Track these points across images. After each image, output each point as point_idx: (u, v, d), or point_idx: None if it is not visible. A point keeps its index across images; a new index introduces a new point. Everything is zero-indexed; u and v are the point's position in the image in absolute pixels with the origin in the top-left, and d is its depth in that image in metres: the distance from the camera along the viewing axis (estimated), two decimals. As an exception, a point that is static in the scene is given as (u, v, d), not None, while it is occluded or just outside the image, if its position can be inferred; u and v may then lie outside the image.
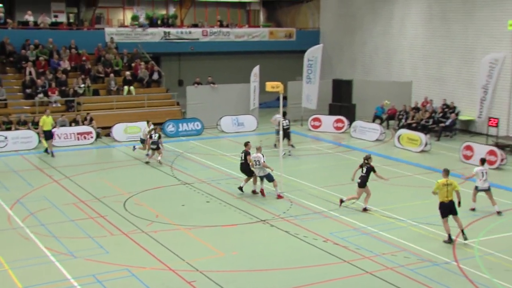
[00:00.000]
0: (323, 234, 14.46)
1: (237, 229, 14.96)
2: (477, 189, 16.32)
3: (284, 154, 21.02)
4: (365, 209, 16.31)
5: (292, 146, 23.19)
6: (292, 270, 12.54)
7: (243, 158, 17.79)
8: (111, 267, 12.58)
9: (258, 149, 17.56)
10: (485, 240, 14.17)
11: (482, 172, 16.14)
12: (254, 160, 17.38)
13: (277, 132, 22.46)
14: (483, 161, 16.53)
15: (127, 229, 14.80)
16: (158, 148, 21.74)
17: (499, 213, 16.10)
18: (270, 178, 17.55)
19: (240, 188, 17.87)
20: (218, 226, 15.16)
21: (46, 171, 20.71)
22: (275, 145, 22.63)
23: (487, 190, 16.19)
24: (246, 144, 18.11)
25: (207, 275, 12.17)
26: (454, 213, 14.05)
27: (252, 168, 17.51)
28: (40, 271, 12.40)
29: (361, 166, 16.39)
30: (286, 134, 22.35)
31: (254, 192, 17.85)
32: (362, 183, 16.20)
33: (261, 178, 17.67)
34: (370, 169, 16.22)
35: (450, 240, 13.94)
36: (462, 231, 13.93)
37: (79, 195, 17.76)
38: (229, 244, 13.96)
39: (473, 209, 16.32)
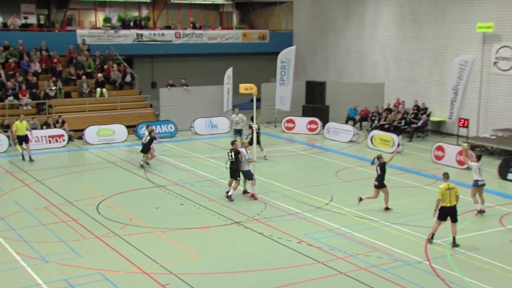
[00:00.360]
0: (297, 236, 14.53)
1: (211, 231, 14.95)
2: (477, 185, 16.18)
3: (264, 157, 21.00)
4: (387, 208, 16.47)
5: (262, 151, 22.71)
6: (266, 271, 12.57)
7: (233, 156, 17.45)
8: (84, 271, 12.47)
9: (243, 144, 17.80)
10: (456, 239, 14.37)
11: (479, 168, 16.24)
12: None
13: (236, 132, 23.75)
14: (479, 158, 16.86)
15: (100, 233, 14.68)
16: (147, 151, 21.46)
17: (481, 211, 16.25)
18: (249, 176, 17.49)
19: (229, 197, 17.43)
20: (192, 229, 15.13)
21: (17, 174, 20.42)
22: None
23: (483, 186, 16.27)
24: (233, 143, 17.95)
25: (181, 278, 12.14)
26: (454, 219, 13.82)
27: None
28: (10, 277, 12.23)
29: (373, 163, 16.58)
30: (257, 139, 21.71)
31: (245, 192, 17.87)
32: (380, 184, 16.34)
33: (244, 176, 17.54)
34: (384, 166, 16.34)
35: (431, 239, 14.05)
36: (454, 238, 13.84)
37: (51, 199, 17.55)
38: (203, 246, 13.94)
39: (481, 211, 16.25)
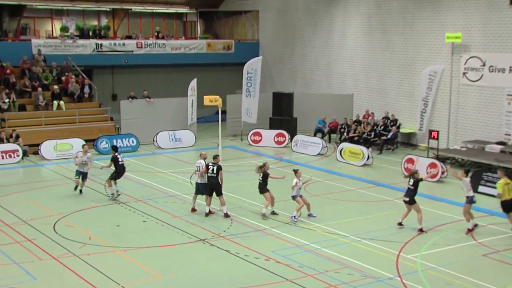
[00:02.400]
0: (264, 253, 14.54)
1: (176, 250, 14.86)
2: (473, 201, 16.03)
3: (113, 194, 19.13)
4: (421, 230, 15.96)
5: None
6: (233, 290, 12.54)
7: (214, 171, 17.03)
8: (40, 294, 12.24)
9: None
10: (427, 254, 14.60)
11: (469, 183, 16.16)
12: (197, 166, 17.44)
13: (79, 174, 19.62)
14: (467, 172, 16.62)
15: (57, 253, 14.45)
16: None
17: (473, 228, 16.07)
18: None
19: (226, 215, 17.25)
20: (156, 247, 15.01)
21: (-33, 192, 19.99)
22: None
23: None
24: (215, 157, 17.42)
25: (143, 299, 12.02)
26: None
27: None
28: (-40, 302, 11.93)
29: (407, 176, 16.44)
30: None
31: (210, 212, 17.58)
32: (411, 200, 16.13)
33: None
34: (418, 183, 16.13)
35: None
36: None
37: (3, 218, 17.20)
38: (167, 265, 13.84)
39: (473, 228, 16.08)
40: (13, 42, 31.11)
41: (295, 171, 17.00)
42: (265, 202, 17.37)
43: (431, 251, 14.78)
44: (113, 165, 19.18)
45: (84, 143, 19.78)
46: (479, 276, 13.34)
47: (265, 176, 17.21)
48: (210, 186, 17.28)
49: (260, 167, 17.25)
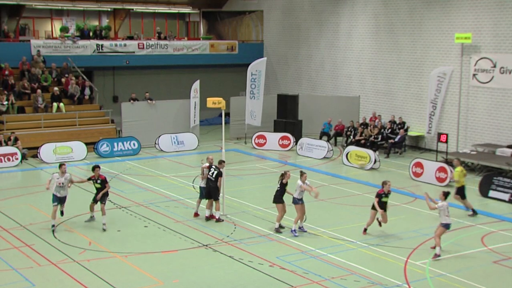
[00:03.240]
0: (269, 258, 14.51)
1: (178, 255, 14.84)
2: (449, 228, 14.98)
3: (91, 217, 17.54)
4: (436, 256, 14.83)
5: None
6: (236, 298, 12.52)
7: (213, 175, 17.02)
8: (39, 301, 12.24)
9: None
10: (437, 261, 14.53)
11: (447, 208, 14.88)
12: (202, 170, 17.46)
13: (56, 200, 17.00)
14: (446, 195, 15.03)
15: (57, 259, 14.44)
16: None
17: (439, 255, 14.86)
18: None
19: (218, 219, 17.27)
20: (157, 253, 15.00)
21: (-36, 196, 20.03)
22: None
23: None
24: (221, 162, 17.34)
25: (145, 306, 12.01)
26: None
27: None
28: (-43, 308, 11.93)
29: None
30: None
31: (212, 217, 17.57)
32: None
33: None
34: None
35: None
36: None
37: (1, 223, 17.21)
38: (169, 271, 13.82)
39: (438, 256, 14.76)
40: (12, 43, 31.18)
41: (302, 173, 16.41)
42: (277, 214, 16.60)
43: (440, 258, 14.71)
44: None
45: (63, 163, 17.07)
46: (489, 283, 13.28)
47: (283, 185, 16.44)
48: (208, 190, 17.30)
49: (281, 175, 16.57)
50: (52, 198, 16.73)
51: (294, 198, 16.22)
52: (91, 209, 17.28)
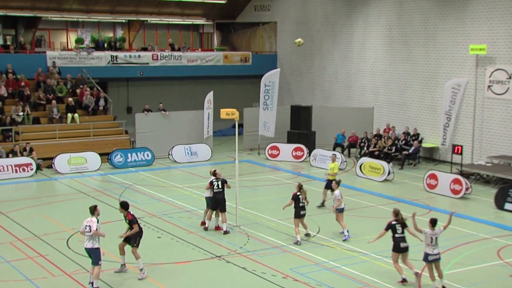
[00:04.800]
0: (282, 270, 14.47)
1: (191, 266, 14.83)
2: (428, 260, 13.25)
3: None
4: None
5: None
6: (250, 309, 12.49)
7: (219, 186, 17.32)
8: (52, 311, 12.27)
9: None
10: (451, 274, 14.42)
11: (435, 237, 13.30)
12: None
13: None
14: (434, 222, 13.39)
15: (70, 269, 14.49)
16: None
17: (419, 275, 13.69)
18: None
19: (227, 232, 17.30)
20: (170, 264, 15.00)
21: (-20, 207, 20.17)
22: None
23: (438, 260, 13.32)
24: (215, 173, 17.82)
25: (158, 318, 12.00)
26: None
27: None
28: (-28, 318, 11.99)
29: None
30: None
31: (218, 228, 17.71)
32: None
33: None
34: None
35: None
36: None
37: (16, 233, 17.31)
38: (182, 283, 13.81)
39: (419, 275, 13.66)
40: (28, 54, 31.49)
41: (338, 183, 17.53)
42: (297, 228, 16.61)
43: (455, 271, 14.60)
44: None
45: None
46: (505, 297, 13.15)
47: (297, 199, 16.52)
48: (215, 201, 17.34)
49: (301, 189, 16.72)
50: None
51: (339, 209, 17.03)
52: (121, 251, 14.59)
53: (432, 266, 13.27)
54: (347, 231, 16.90)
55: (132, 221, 14.22)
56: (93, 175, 25.24)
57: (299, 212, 16.48)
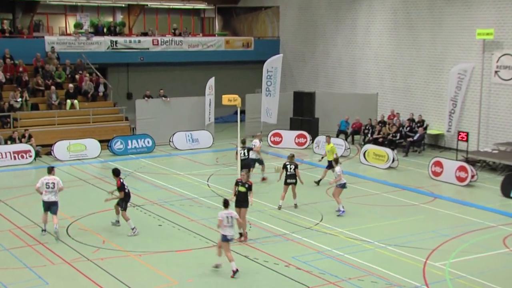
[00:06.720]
0: (285, 258, 14.50)
1: (192, 254, 14.87)
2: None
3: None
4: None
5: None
6: (252, 298, 12.53)
7: (245, 154, 20.85)
8: (52, 299, 12.33)
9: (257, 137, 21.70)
10: (456, 262, 14.45)
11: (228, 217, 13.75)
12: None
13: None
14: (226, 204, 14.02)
15: (70, 257, 14.54)
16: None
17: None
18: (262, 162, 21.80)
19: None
20: (172, 252, 15.04)
21: (-22, 194, 20.22)
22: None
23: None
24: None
25: (159, 306, 12.05)
26: None
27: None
28: (-29, 306, 12.06)
29: None
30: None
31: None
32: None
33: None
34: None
35: None
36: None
37: (15, 221, 17.37)
38: (184, 271, 13.86)
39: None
40: (26, 39, 31.37)
41: (336, 160, 18.89)
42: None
43: (460, 259, 14.62)
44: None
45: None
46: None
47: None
48: (246, 165, 19.84)
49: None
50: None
51: (340, 184, 18.19)
52: (116, 211, 16.67)
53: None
54: (342, 206, 18.07)
55: (119, 188, 16.14)
56: (93, 162, 25.27)
57: (286, 180, 18.52)
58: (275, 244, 15.58)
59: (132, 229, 16.18)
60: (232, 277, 13.36)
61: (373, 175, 23.19)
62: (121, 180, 16.22)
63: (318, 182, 21.50)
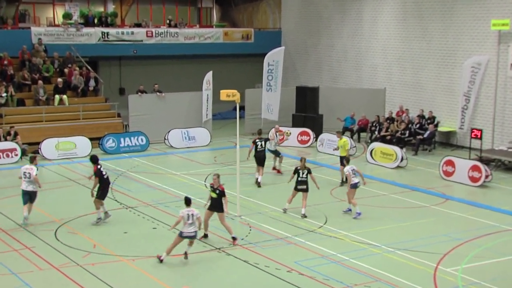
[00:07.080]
0: (287, 263, 14.50)
1: (189, 259, 14.85)
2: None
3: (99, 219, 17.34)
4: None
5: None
6: (252, 305, 12.53)
7: (263, 145, 21.90)
8: (39, 307, 12.33)
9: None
10: (469, 268, 14.43)
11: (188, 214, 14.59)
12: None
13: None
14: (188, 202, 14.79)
15: (59, 262, 14.53)
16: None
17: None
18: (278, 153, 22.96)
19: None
20: (166, 256, 15.02)
21: (-39, 195, 20.23)
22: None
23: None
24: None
25: (153, 314, 12.05)
26: None
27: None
28: (-47, 314, 12.05)
29: None
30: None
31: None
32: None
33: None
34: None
35: None
36: None
37: (0, 224, 17.35)
38: (180, 277, 13.86)
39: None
40: (11, 30, 31.41)
41: (347, 160, 18.81)
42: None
43: (473, 264, 14.61)
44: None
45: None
46: (527, 292, 13.17)
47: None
48: (261, 159, 21.56)
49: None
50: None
51: (354, 184, 17.99)
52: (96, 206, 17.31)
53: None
54: (358, 209, 17.90)
55: (95, 173, 16.87)
56: (83, 161, 25.24)
57: (297, 186, 18.03)
58: (277, 248, 15.57)
59: (98, 219, 17.07)
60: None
61: (381, 175, 23.19)
62: (98, 167, 16.98)
63: (342, 183, 21.42)
